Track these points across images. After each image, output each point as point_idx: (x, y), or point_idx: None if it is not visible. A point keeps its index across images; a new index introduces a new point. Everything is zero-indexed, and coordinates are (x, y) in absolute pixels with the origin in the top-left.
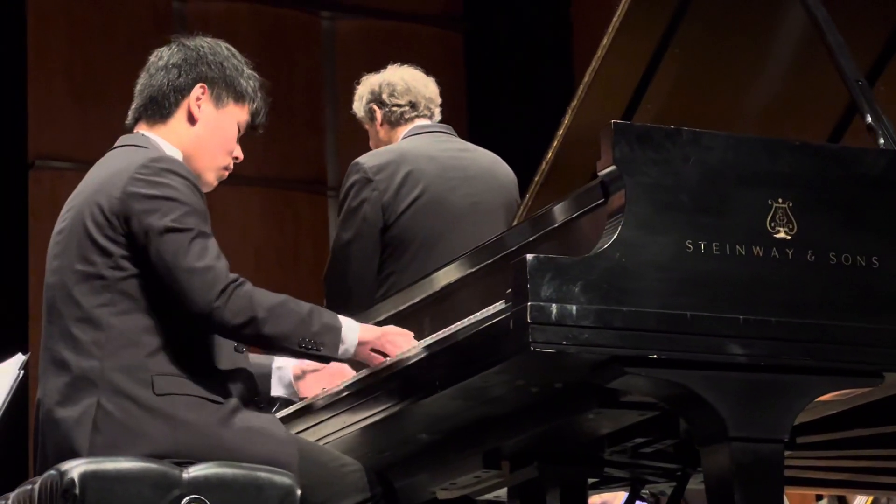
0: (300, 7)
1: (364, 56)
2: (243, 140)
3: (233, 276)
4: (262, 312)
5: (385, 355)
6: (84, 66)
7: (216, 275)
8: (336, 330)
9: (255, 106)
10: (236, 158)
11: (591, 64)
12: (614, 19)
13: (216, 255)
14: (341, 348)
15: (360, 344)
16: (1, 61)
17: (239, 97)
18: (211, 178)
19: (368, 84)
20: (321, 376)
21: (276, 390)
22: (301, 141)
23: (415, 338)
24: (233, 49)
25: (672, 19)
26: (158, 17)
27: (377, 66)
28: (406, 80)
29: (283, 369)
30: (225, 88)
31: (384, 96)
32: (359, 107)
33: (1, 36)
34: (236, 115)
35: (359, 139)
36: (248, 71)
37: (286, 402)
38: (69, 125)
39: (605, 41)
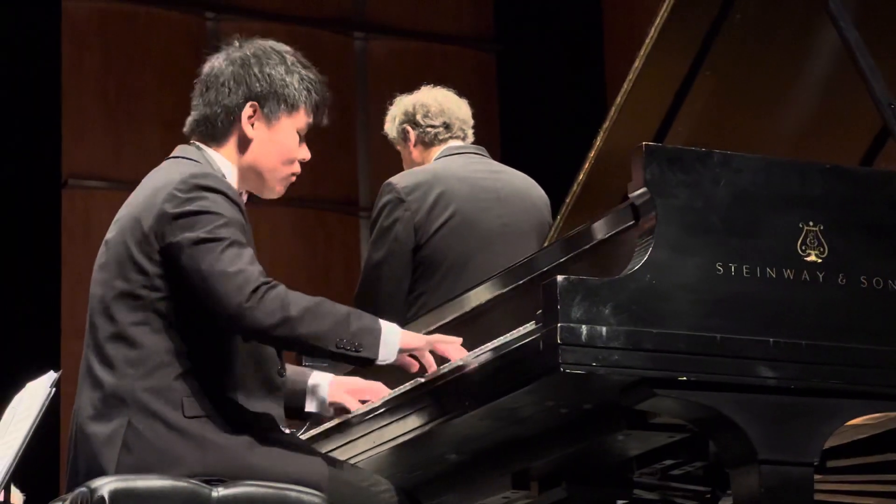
0: (333, 27)
1: (396, 77)
2: None
3: (265, 278)
4: (295, 311)
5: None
6: (117, 86)
7: (247, 277)
8: (376, 332)
9: (311, 105)
10: (303, 159)
11: (622, 86)
12: (646, 41)
13: (249, 261)
14: (382, 351)
15: (403, 350)
16: (35, 81)
17: (291, 107)
18: (277, 187)
19: (402, 105)
20: (355, 392)
21: (310, 405)
22: (333, 161)
23: (444, 359)
24: (280, 49)
25: (704, 41)
26: (192, 36)
27: (409, 87)
28: (440, 101)
29: (319, 386)
30: (276, 102)
31: (418, 117)
32: (391, 127)
33: (35, 55)
34: (293, 124)
35: (391, 160)
36: (298, 73)
37: (317, 421)
38: (102, 144)
39: (636, 63)
